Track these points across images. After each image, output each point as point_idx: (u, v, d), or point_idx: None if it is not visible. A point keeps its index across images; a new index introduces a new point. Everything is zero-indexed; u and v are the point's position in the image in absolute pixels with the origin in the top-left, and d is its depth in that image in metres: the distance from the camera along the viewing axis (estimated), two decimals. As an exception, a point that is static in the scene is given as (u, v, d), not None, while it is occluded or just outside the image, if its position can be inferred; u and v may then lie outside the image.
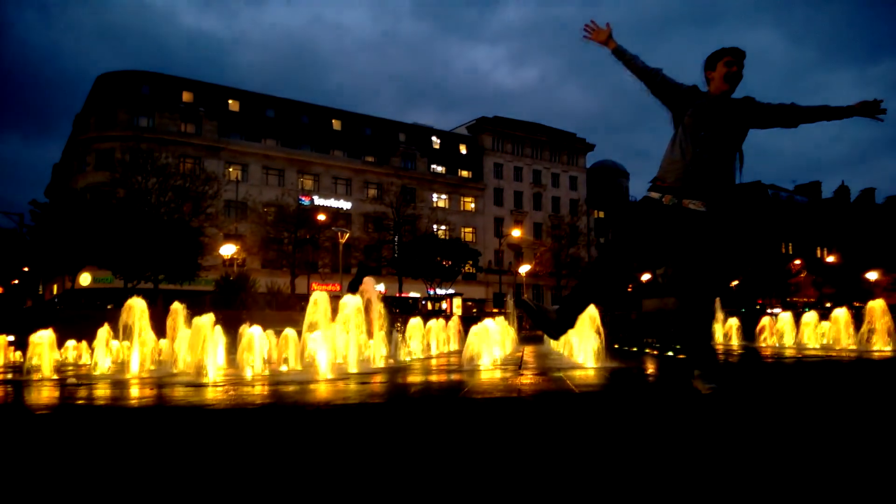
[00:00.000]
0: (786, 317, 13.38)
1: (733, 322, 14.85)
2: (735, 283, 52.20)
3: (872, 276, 56.90)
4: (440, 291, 50.65)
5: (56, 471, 2.50)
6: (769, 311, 35.04)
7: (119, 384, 6.54)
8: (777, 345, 12.66)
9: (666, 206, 3.91)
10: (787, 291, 59.54)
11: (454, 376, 6.47)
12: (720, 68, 4.07)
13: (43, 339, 7.70)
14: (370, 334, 8.15)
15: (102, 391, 5.92)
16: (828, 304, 44.27)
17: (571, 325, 4.00)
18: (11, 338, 11.23)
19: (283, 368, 7.80)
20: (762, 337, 13.47)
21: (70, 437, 3.37)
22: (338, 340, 7.30)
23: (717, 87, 4.09)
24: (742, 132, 4.08)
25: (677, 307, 4.03)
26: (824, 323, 12.01)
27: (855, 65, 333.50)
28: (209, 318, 7.02)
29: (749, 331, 14.65)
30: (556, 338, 4.12)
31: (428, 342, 11.70)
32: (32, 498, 2.08)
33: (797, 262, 62.58)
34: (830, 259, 66.08)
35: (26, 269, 44.41)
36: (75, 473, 2.43)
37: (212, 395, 5.18)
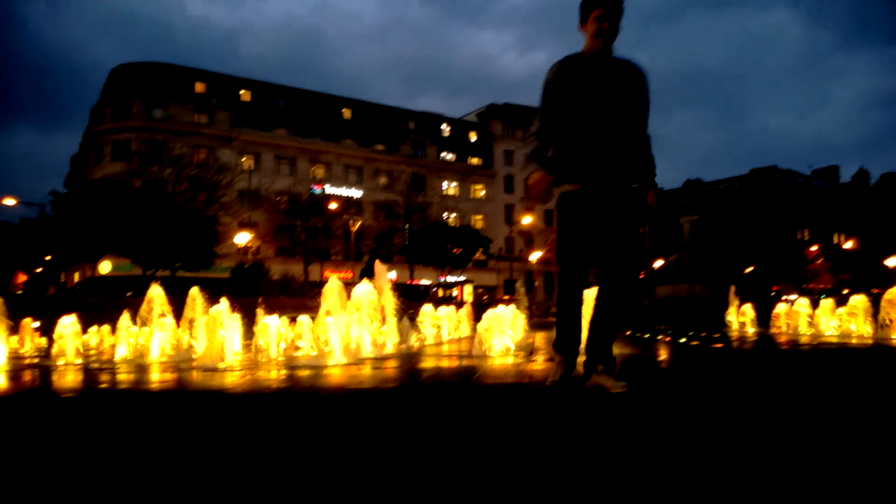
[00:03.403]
0: (802, 304, 13.30)
1: (748, 309, 14.79)
2: (749, 269, 51.86)
3: (892, 262, 56.25)
4: (451, 279, 50.75)
5: (85, 450, 2.62)
6: (785, 298, 34.83)
7: (140, 369, 6.69)
8: (793, 332, 12.62)
9: (589, 194, 3.57)
10: (803, 278, 59.07)
11: (465, 362, 6.56)
12: (591, 24, 3.54)
13: (67, 324, 7.88)
14: (383, 320, 8.25)
15: (124, 375, 6.07)
16: (845, 291, 43.89)
17: (577, 345, 3.86)
18: (37, 323, 11.46)
19: (298, 353, 7.93)
20: (777, 324, 13.42)
21: (97, 419, 3.50)
22: (351, 326, 7.41)
23: (590, 45, 3.59)
24: (634, 98, 3.61)
25: (598, 295, 3.76)
26: (841, 310, 11.93)
27: (876, 45, 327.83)
28: (225, 304, 7.15)
29: (764, 318, 14.60)
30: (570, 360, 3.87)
31: (439, 328, 11.79)
32: (68, 474, 2.20)
33: (813, 248, 62.00)
34: (848, 245, 65.42)
35: (48, 257, 44.99)
36: (103, 452, 2.55)
37: (229, 379, 5.31)
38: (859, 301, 11.23)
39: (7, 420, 3.60)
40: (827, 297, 14.59)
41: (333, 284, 7.15)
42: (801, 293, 45.16)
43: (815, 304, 12.90)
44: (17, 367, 7.38)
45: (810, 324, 12.47)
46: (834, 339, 10.01)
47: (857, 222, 76.21)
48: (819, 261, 61.07)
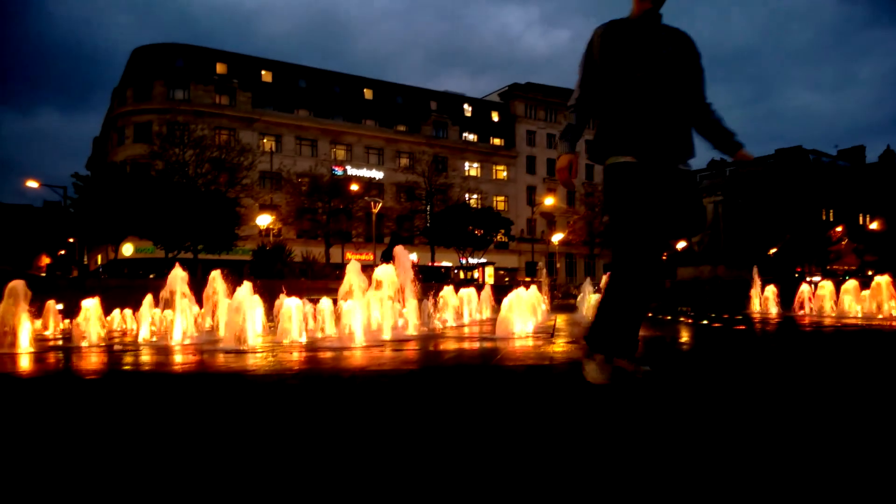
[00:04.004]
0: (826, 285, 13.11)
1: (771, 290, 14.62)
2: (773, 250, 51.21)
3: (919, 243, 55.19)
4: (472, 260, 50.76)
5: (108, 430, 2.64)
6: (808, 279, 34.37)
7: (162, 351, 6.77)
8: (816, 314, 12.45)
9: (647, 168, 3.19)
10: (827, 259, 58.22)
11: (486, 344, 6.54)
12: None
13: (90, 307, 8.00)
14: (403, 303, 8.26)
15: (147, 357, 6.14)
16: (870, 272, 43.18)
17: (631, 345, 3.36)
18: (60, 306, 11.65)
19: (319, 336, 7.98)
20: (800, 305, 13.26)
21: (120, 401, 3.53)
22: (372, 309, 7.42)
23: (637, 8, 3.24)
24: (689, 66, 3.29)
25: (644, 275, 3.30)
26: (865, 291, 11.77)
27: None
28: (248, 287, 7.20)
29: (787, 299, 14.42)
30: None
31: (460, 311, 11.79)
32: (93, 453, 2.21)
33: (838, 229, 60.99)
34: (873, 226, 64.28)
35: (71, 239, 45.71)
36: (126, 431, 2.57)
37: (252, 361, 5.34)
38: (884, 282, 11.07)
39: (32, 402, 3.65)
40: (851, 278, 14.38)
41: (353, 267, 7.16)
42: (826, 274, 44.53)
43: (839, 286, 12.71)
44: (41, 349, 7.50)
45: (834, 305, 12.30)
46: (858, 321, 9.85)
47: (883, 203, 74.74)
48: (844, 242, 60.08)
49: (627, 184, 3.19)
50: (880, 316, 10.64)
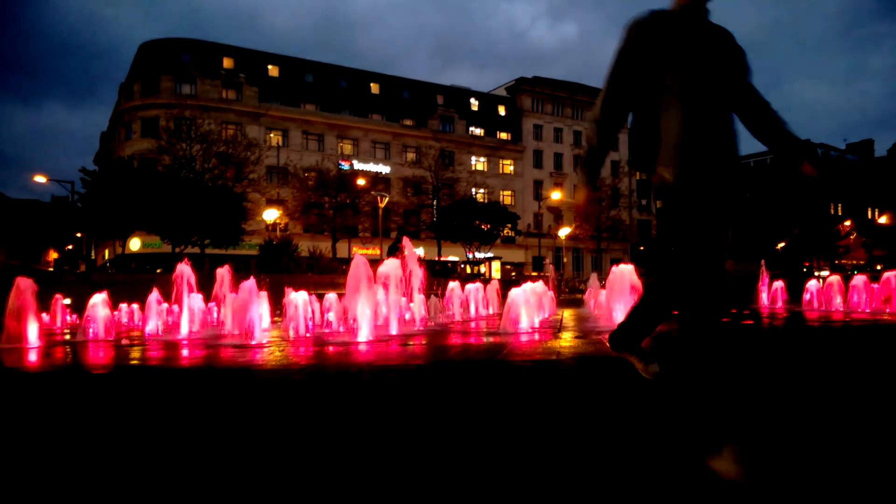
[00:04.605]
0: (834, 280, 13.04)
1: (779, 285, 14.55)
2: (781, 244, 50.98)
3: (928, 237, 54.79)
4: (479, 255, 50.65)
5: (117, 425, 2.64)
6: (817, 273, 34.19)
7: (169, 345, 6.78)
8: (824, 308, 12.38)
9: (706, 180, 2.76)
10: (835, 254, 57.88)
11: (493, 339, 6.53)
12: None
13: (97, 301, 8.02)
14: (410, 297, 8.25)
15: (154, 352, 6.15)
16: (878, 267, 42.95)
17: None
18: (67, 300, 11.70)
19: (326, 330, 7.98)
20: (809, 300, 13.19)
21: (128, 396, 3.54)
22: (378, 303, 7.42)
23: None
24: (741, 70, 2.91)
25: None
26: (874, 286, 11.71)
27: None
28: (254, 282, 7.21)
29: (795, 293, 14.35)
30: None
31: (467, 305, 11.78)
32: (103, 446, 2.21)
33: (847, 223, 60.60)
34: (882, 220, 63.83)
35: (79, 234, 45.86)
36: (133, 431, 2.57)
37: (258, 356, 5.34)
38: (893, 277, 11.01)
39: (42, 396, 3.66)
40: (860, 273, 14.30)
41: (360, 261, 7.15)
42: (834, 269, 44.28)
43: (847, 280, 12.65)
44: (49, 343, 7.53)
45: (843, 300, 12.24)
46: (867, 316, 9.78)
47: (892, 197, 74.22)
48: (853, 236, 59.71)
49: (687, 199, 2.79)
50: (888, 311, 10.56)
